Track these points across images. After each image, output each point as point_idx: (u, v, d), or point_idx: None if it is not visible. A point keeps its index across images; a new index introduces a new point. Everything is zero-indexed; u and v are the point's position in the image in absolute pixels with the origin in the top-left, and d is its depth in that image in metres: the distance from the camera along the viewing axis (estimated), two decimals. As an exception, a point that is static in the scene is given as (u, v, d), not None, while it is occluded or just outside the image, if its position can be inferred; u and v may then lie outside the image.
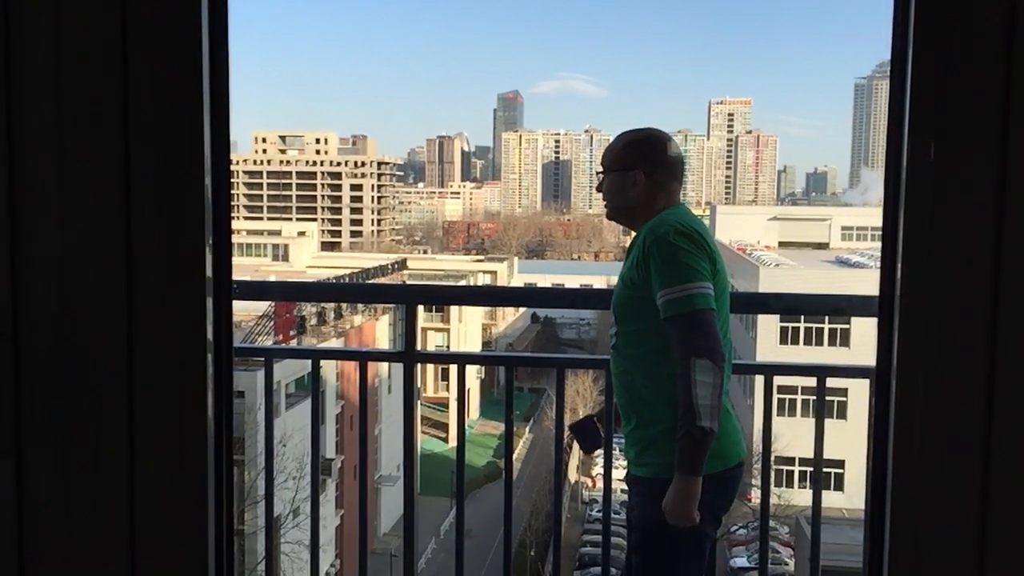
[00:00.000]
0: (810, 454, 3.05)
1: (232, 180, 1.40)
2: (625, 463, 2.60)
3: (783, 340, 28.61)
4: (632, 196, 2.55)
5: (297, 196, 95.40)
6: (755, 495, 20.27)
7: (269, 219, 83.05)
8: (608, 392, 2.85)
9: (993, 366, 1.13)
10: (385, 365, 20.90)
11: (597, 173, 2.65)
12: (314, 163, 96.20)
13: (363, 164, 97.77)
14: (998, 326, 1.12)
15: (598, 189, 2.63)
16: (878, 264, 1.22)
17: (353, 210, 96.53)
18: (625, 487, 2.64)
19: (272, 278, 30.98)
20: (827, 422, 3.04)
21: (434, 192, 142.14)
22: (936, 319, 1.13)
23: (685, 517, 2.31)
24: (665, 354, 2.37)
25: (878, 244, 1.21)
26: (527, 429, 39.82)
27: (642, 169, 2.53)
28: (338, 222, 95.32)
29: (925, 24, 1.12)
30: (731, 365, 2.57)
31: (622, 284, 2.51)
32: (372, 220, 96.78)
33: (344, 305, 29.10)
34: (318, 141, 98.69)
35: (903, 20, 1.15)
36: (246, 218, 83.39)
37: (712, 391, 2.29)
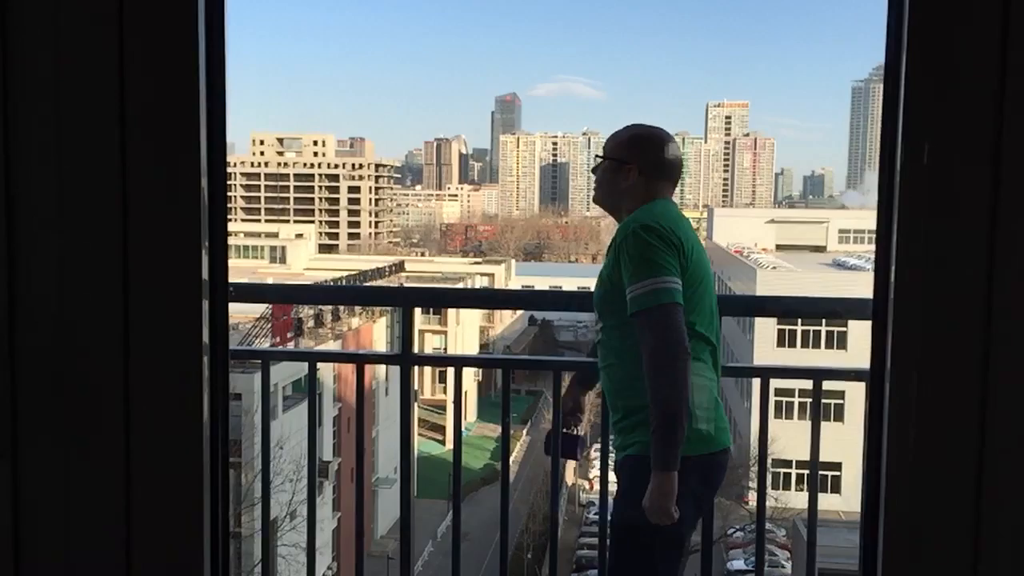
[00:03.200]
0: (807, 457, 3.05)
1: (229, 182, 1.40)
2: None
3: (780, 343, 28.61)
4: (621, 189, 2.58)
5: (295, 198, 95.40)
6: (752, 497, 20.26)
7: (267, 221, 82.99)
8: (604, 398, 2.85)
9: (987, 368, 1.13)
10: (382, 367, 20.88)
11: (595, 156, 2.69)
12: (312, 165, 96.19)
13: (361, 166, 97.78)
14: (992, 328, 1.13)
15: (593, 171, 2.67)
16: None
17: (351, 212, 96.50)
18: None
19: (270, 280, 30.97)
20: (824, 425, 3.03)
21: (432, 194, 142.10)
22: (930, 322, 1.14)
23: (664, 514, 2.33)
24: None
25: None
26: (524, 432, 39.78)
27: (637, 165, 2.56)
28: (336, 224, 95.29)
29: (919, 28, 1.12)
30: (719, 354, 2.58)
31: (601, 282, 2.54)
32: (370, 222, 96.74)
33: (342, 307, 29.08)
34: (316, 143, 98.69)
35: (897, 24, 1.15)
36: (243, 220, 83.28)
37: (680, 389, 2.32)
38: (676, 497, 2.36)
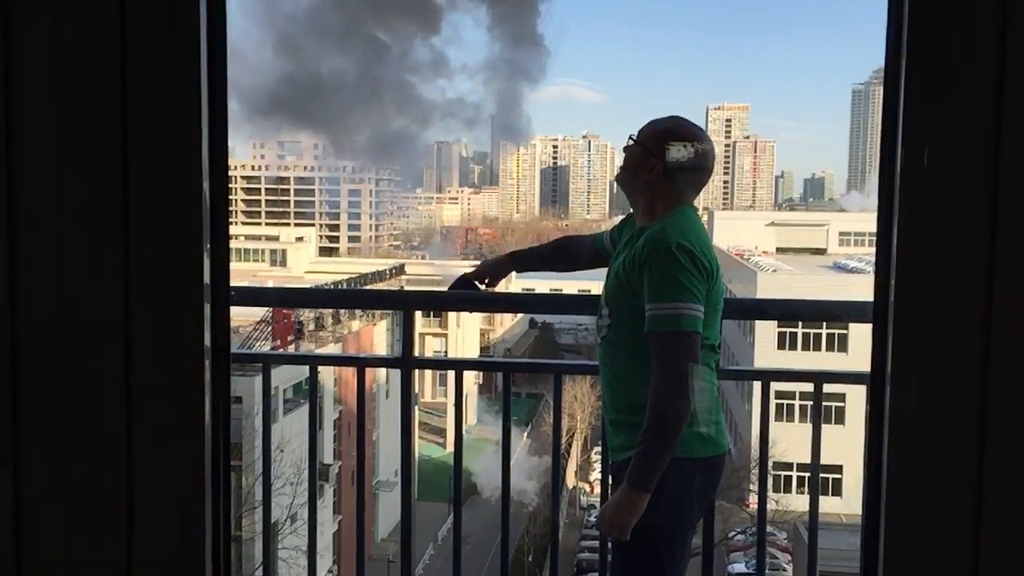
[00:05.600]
0: (808, 459, 3.05)
1: (230, 186, 1.40)
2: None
3: (781, 345, 28.60)
4: (643, 179, 2.54)
5: (295, 201, 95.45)
6: (753, 500, 20.25)
7: (267, 224, 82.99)
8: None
9: (987, 371, 1.13)
10: (383, 370, 20.87)
11: (629, 136, 2.64)
12: (312, 168, 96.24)
13: (361, 169, 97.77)
14: (992, 331, 1.13)
15: (624, 150, 2.64)
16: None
17: (351, 215, 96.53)
18: None
19: (270, 283, 30.94)
20: (825, 428, 3.03)
21: (432, 197, 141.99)
22: (931, 324, 1.14)
23: (623, 530, 2.31)
24: None
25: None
26: (525, 434, 39.73)
27: (663, 161, 2.52)
28: (336, 227, 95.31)
29: (919, 30, 1.12)
30: (718, 357, 2.59)
31: (616, 278, 2.51)
32: (370, 225, 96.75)
33: (342, 310, 29.06)
34: (316, 146, 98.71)
35: (897, 26, 1.15)
36: (244, 223, 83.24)
37: (681, 420, 2.32)
38: (681, 501, 2.36)
